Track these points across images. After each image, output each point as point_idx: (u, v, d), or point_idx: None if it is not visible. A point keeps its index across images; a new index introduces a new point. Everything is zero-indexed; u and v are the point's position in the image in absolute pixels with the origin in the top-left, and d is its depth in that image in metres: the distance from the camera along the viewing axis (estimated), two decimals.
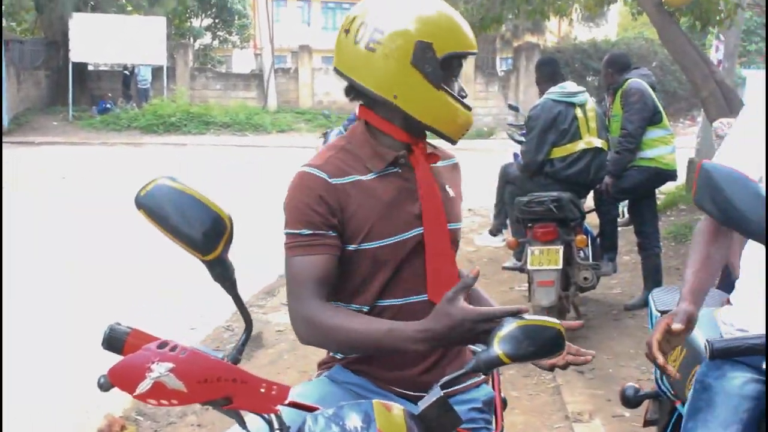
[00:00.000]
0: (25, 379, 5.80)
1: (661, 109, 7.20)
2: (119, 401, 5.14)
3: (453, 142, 2.35)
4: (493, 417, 2.46)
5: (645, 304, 7.22)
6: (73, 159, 19.40)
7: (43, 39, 29.07)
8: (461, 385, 2.32)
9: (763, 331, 2.02)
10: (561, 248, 6.25)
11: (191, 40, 34.11)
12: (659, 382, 3.03)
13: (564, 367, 2.23)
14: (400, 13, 2.24)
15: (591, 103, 6.71)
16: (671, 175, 7.34)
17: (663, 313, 3.04)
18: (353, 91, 2.34)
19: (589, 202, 7.25)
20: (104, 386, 1.67)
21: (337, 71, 2.37)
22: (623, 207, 7.96)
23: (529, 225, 6.37)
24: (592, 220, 7.35)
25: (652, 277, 7.29)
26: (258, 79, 30.74)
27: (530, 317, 1.97)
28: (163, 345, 1.67)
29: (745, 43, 21.25)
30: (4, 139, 20.89)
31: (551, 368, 2.25)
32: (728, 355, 1.99)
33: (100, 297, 7.84)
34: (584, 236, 6.68)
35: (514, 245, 6.79)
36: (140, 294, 8.08)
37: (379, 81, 2.24)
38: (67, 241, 10.47)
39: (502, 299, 7.27)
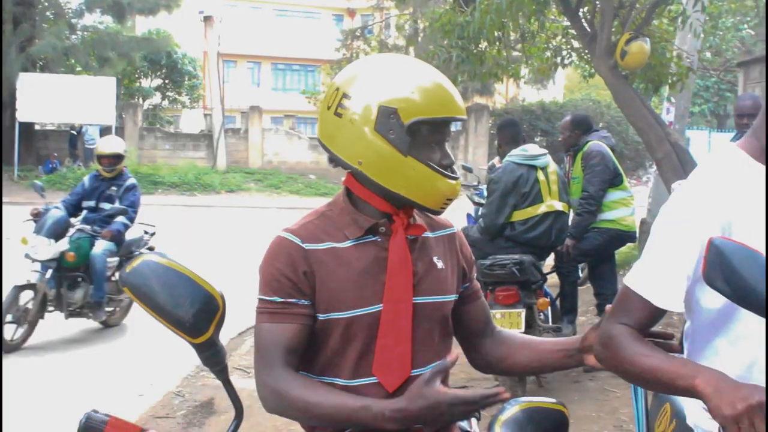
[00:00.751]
0: None
1: (621, 171, 7.23)
2: None
3: (434, 212, 2.26)
4: None
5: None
6: (17, 219, 19.02)
7: None
8: None
9: None
10: (523, 311, 6.19)
11: (140, 100, 33.97)
12: None
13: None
14: (369, 78, 2.16)
15: (553, 165, 6.69)
16: (631, 236, 7.37)
17: None
18: (336, 160, 2.26)
19: (549, 262, 7.22)
20: None
21: (319, 140, 2.29)
22: (583, 267, 7.96)
23: (491, 288, 6.30)
24: (551, 281, 7.31)
25: None
26: (207, 139, 30.68)
27: (532, 399, 1.88)
28: None
29: (689, 105, 21.67)
30: None
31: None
32: None
33: (45, 365, 7.59)
34: (546, 299, 6.62)
35: None
36: (86, 360, 7.84)
37: (345, 147, 2.17)
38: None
39: (462, 360, 7.15)
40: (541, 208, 6.49)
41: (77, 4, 30.41)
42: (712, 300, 2.04)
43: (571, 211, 7.00)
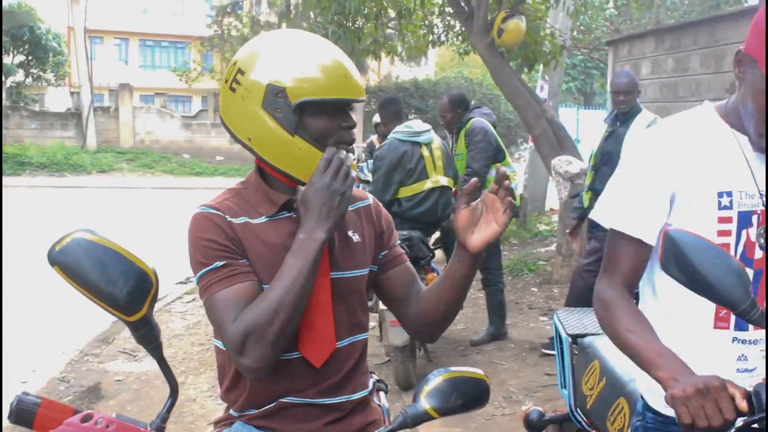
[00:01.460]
0: None
1: (504, 147, 7.35)
2: None
3: None
4: None
5: (491, 338, 7.34)
6: None
7: None
8: None
9: None
10: None
11: (2, 77, 32.69)
12: (573, 411, 3.00)
13: None
14: (263, 55, 2.14)
15: (437, 141, 6.74)
16: (517, 210, 7.50)
17: (575, 337, 3.03)
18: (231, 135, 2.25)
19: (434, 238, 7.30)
20: None
21: (220, 116, 2.27)
22: None
23: None
24: (437, 257, 7.40)
25: (497, 312, 7.41)
26: (76, 117, 29.79)
27: (455, 369, 1.91)
28: (86, 418, 1.50)
29: (562, 82, 22.21)
30: None
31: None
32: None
33: None
34: (434, 274, 6.70)
35: None
36: None
37: (237, 122, 2.16)
38: None
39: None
40: (427, 184, 6.55)
41: None
42: None
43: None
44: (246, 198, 2.24)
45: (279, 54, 2.14)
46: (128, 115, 30.17)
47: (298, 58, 2.12)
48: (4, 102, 29.48)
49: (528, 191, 14.72)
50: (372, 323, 7.40)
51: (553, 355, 5.92)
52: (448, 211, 6.78)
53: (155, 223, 16.25)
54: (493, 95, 28.44)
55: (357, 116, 29.15)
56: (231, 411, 2.27)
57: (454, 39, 12.96)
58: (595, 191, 6.67)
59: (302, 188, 2.11)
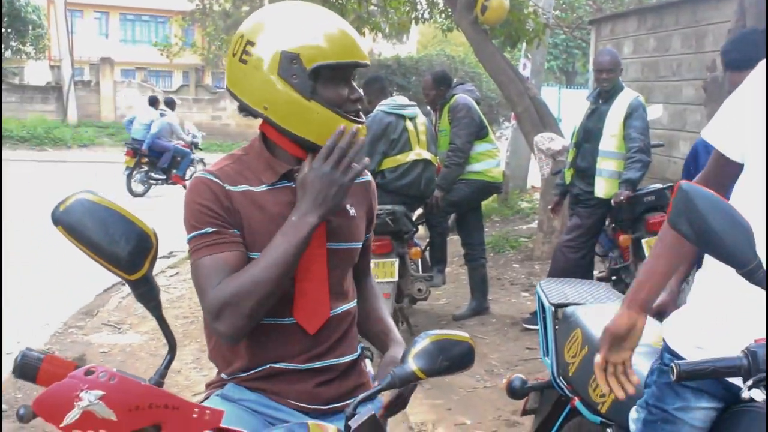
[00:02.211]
0: None
1: (487, 123, 7.40)
2: None
3: None
4: None
5: (473, 313, 7.42)
6: None
7: None
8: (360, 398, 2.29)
9: (726, 353, 1.99)
10: (396, 261, 6.31)
11: (2, 66, 32.45)
12: (555, 378, 3.07)
13: None
14: (271, 25, 2.20)
15: (421, 117, 6.81)
16: (498, 187, 7.59)
17: (558, 306, 3.10)
18: (244, 107, 2.29)
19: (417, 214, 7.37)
20: (25, 417, 1.54)
21: (227, 89, 2.31)
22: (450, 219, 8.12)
23: None
24: (420, 233, 7.47)
25: (479, 287, 7.49)
26: (57, 91, 29.63)
27: (441, 332, 1.97)
28: (90, 372, 1.55)
29: (545, 61, 22.27)
30: None
31: None
32: (694, 377, 1.94)
33: None
34: (418, 248, 6.77)
35: None
36: None
37: (251, 93, 2.21)
38: None
39: None
40: (411, 156, 6.61)
41: None
42: None
43: (440, 162, 7.15)
44: (248, 164, 2.29)
45: (288, 23, 2.19)
46: (109, 90, 30.05)
47: (307, 26, 2.18)
48: None
49: (510, 169, 14.79)
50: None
51: (535, 329, 6.01)
52: (432, 186, 6.85)
53: (136, 197, 16.27)
54: (475, 73, 28.37)
55: None
56: (222, 374, 2.34)
57: (438, 16, 12.98)
58: (577, 168, 6.75)
59: (304, 168, 2.17)
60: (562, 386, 3.02)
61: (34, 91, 30.21)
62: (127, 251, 1.72)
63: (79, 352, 6.65)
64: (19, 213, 12.22)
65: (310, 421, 1.68)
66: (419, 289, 6.62)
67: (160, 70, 41.72)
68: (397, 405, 2.31)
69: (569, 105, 19.89)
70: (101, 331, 7.31)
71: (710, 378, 1.95)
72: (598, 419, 2.77)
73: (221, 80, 35.78)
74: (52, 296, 8.20)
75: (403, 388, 2.15)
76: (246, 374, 2.28)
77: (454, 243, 8.44)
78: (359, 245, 2.41)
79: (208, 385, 2.39)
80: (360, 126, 2.26)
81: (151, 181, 17.04)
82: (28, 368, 1.71)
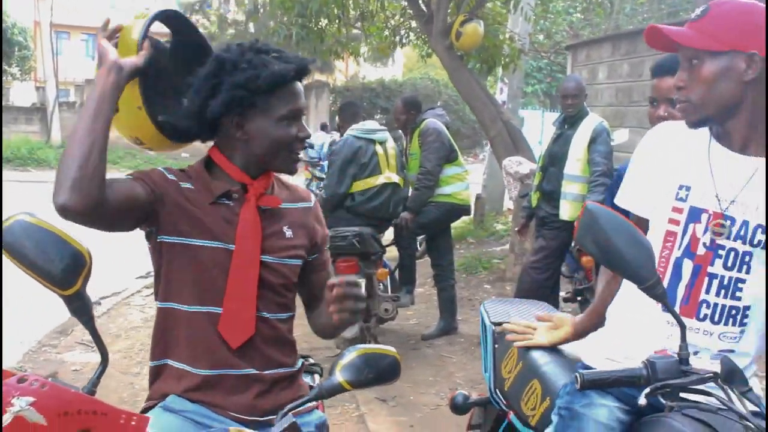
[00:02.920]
0: None
1: (456, 147, 7.55)
2: None
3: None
4: None
5: (441, 333, 7.53)
6: None
7: None
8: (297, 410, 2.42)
9: (630, 364, 2.15)
10: (363, 281, 6.42)
11: (2, 79, 32.47)
12: (492, 393, 3.19)
13: None
14: None
15: (391, 141, 6.97)
16: (466, 210, 7.73)
17: (497, 324, 3.24)
18: (195, 137, 2.54)
19: (388, 236, 7.49)
20: None
21: None
22: (421, 240, 8.25)
23: (332, 260, 6.50)
24: (391, 254, 7.59)
25: (448, 308, 7.61)
26: (41, 112, 29.64)
27: (367, 346, 2.09)
28: (23, 380, 1.66)
29: (524, 85, 22.43)
30: None
31: None
32: (597, 386, 2.10)
33: None
34: (385, 269, 6.90)
35: None
36: None
37: None
38: None
39: (305, 331, 7.36)
40: (380, 179, 6.75)
41: None
42: None
43: (409, 186, 7.29)
44: (191, 179, 2.48)
45: None
46: None
47: None
48: None
49: (486, 191, 14.94)
50: None
51: None
52: (400, 209, 6.98)
53: None
54: (458, 97, 28.53)
55: (322, 115, 29.28)
56: (156, 385, 2.48)
57: (416, 41, 13.15)
58: (543, 191, 6.89)
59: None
60: (499, 401, 3.14)
61: (18, 111, 30.21)
62: (60, 269, 1.85)
63: (52, 370, 6.72)
64: None
65: (231, 427, 1.79)
66: (386, 309, 6.75)
67: None
68: None
69: (553, 128, 20.05)
70: (74, 350, 7.39)
71: (612, 387, 2.08)
72: None
73: None
74: (28, 315, 8.28)
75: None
76: (187, 385, 2.41)
77: (425, 264, 8.55)
78: (297, 263, 2.54)
79: (149, 397, 2.51)
80: None
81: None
82: None
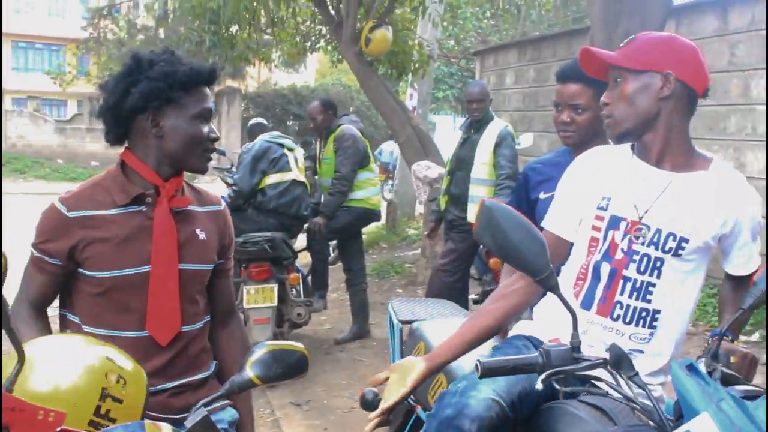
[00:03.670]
0: None
1: (370, 153, 7.65)
2: None
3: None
4: None
5: (355, 337, 7.61)
6: None
7: None
8: (211, 407, 2.47)
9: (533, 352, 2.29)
10: (275, 286, 6.49)
11: (1, 79, 31.49)
12: None
13: None
14: None
15: (299, 150, 7.12)
16: (377, 214, 7.83)
17: (405, 322, 3.33)
18: (109, 136, 2.53)
19: (301, 242, 7.55)
20: None
21: None
22: (333, 246, 8.32)
23: (244, 265, 6.55)
24: (303, 260, 7.65)
25: (360, 312, 7.70)
26: None
27: (276, 342, 2.16)
28: None
29: (434, 90, 22.63)
30: None
31: None
32: (497, 373, 2.17)
33: None
34: (297, 274, 6.95)
35: None
36: None
37: None
38: None
39: None
40: (291, 175, 6.86)
41: None
42: None
43: (322, 191, 7.38)
44: (104, 188, 2.51)
45: None
46: None
47: None
48: None
49: (398, 197, 15.08)
50: None
51: None
52: (307, 211, 7.06)
53: (27, 230, 15.98)
54: (370, 103, 28.79)
55: (235, 122, 29.12)
56: None
57: (327, 47, 13.23)
58: (451, 195, 7.03)
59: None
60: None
61: None
62: None
63: None
64: None
65: (147, 421, 1.83)
66: (299, 314, 6.79)
67: (53, 98, 40.99)
68: None
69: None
70: None
71: (511, 374, 2.19)
72: None
73: None
74: None
75: None
76: None
77: (338, 270, 8.63)
78: (209, 267, 2.61)
79: None
80: None
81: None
82: None
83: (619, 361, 2.10)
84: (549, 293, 2.49)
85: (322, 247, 7.48)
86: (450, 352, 2.59)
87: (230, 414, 2.61)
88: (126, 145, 2.57)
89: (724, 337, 2.24)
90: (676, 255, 2.49)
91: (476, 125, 6.91)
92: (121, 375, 1.90)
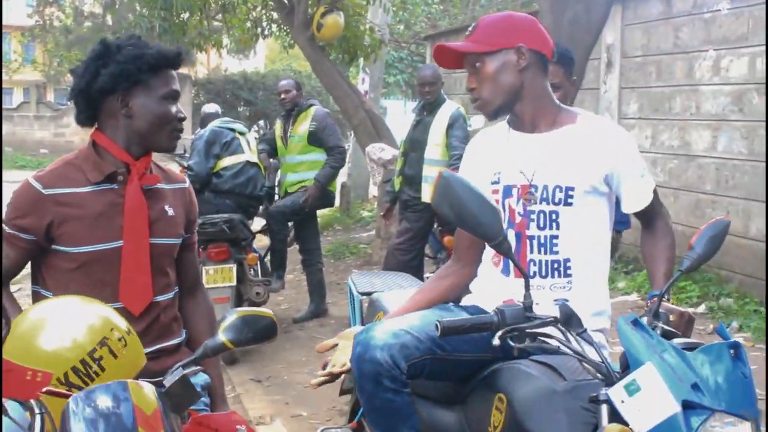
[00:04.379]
0: None
1: None
2: None
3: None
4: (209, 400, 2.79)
5: (312, 316, 7.75)
6: None
7: None
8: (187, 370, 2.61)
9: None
10: (234, 266, 6.60)
11: (1, 73, 30.86)
12: None
13: None
14: None
15: (251, 134, 7.27)
16: (333, 196, 7.96)
17: (364, 294, 3.50)
18: (80, 117, 2.67)
19: (257, 224, 7.68)
20: None
21: None
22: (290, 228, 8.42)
23: (203, 246, 6.65)
24: (260, 243, 7.77)
25: (317, 291, 7.84)
26: None
27: (246, 309, 2.30)
28: None
29: (385, 75, 22.73)
30: None
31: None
32: (455, 332, 2.33)
33: None
34: (255, 255, 7.08)
35: None
36: None
37: None
38: None
39: None
40: (244, 157, 7.05)
41: None
42: None
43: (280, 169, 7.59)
44: (76, 166, 2.64)
45: None
46: None
47: None
48: None
49: (351, 180, 15.22)
50: None
51: None
52: (263, 192, 7.20)
53: None
54: (321, 88, 28.52)
55: (186, 108, 28.95)
56: None
57: (278, 32, 13.28)
58: (405, 176, 7.18)
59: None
60: None
61: None
62: None
63: None
64: None
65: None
66: (257, 293, 6.90)
67: None
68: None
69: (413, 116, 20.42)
70: None
71: (468, 332, 2.35)
72: None
73: (64, 97, 35.06)
74: None
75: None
76: None
77: (294, 252, 8.76)
78: (178, 241, 2.77)
79: None
80: None
81: None
82: None
83: (568, 319, 2.27)
84: (479, 274, 2.88)
85: (281, 227, 7.60)
86: None
87: (202, 378, 2.74)
88: (96, 126, 2.69)
89: (662, 298, 2.43)
90: (567, 204, 2.71)
91: (429, 107, 7.06)
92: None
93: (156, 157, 2.78)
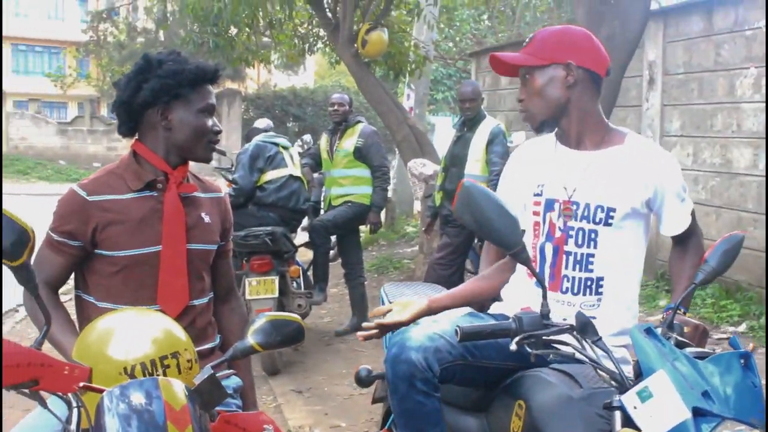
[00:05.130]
0: None
1: None
2: None
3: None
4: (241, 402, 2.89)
5: (354, 329, 7.83)
6: None
7: None
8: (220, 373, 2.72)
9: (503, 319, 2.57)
10: (276, 278, 6.72)
11: (2, 80, 31.61)
12: None
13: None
14: None
15: (294, 149, 7.41)
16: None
17: None
18: (122, 128, 2.82)
19: (301, 238, 7.81)
20: None
21: None
22: (334, 244, 8.53)
23: (246, 258, 6.79)
24: (303, 256, 7.89)
25: (359, 305, 7.93)
26: None
27: (275, 313, 2.40)
28: None
29: (433, 92, 22.81)
30: None
31: None
32: (475, 338, 2.42)
33: None
34: (297, 267, 7.20)
35: None
36: None
37: None
38: None
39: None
40: (287, 171, 7.18)
41: None
42: None
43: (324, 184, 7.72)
44: (118, 175, 2.80)
45: None
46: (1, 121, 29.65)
47: None
48: None
49: (396, 195, 15.30)
50: None
51: None
52: (306, 205, 7.32)
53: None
54: (368, 105, 28.96)
55: (235, 123, 29.28)
56: None
57: (324, 49, 13.44)
58: (446, 191, 7.28)
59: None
60: None
61: None
62: (9, 243, 2.11)
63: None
64: None
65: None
66: (299, 305, 7.02)
67: (54, 101, 41.12)
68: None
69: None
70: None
71: (487, 338, 2.44)
72: None
73: None
74: None
75: None
76: None
77: (337, 266, 8.86)
78: (213, 247, 2.90)
79: None
80: None
81: None
82: None
83: (584, 327, 2.35)
84: (512, 281, 2.96)
85: (323, 241, 7.72)
86: (449, 299, 3.01)
87: (234, 381, 2.85)
88: (137, 137, 2.84)
89: (678, 311, 2.49)
90: (607, 224, 2.77)
91: (469, 123, 7.17)
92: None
93: (204, 170, 2.92)
